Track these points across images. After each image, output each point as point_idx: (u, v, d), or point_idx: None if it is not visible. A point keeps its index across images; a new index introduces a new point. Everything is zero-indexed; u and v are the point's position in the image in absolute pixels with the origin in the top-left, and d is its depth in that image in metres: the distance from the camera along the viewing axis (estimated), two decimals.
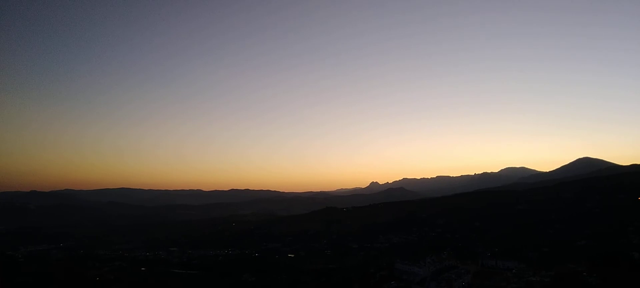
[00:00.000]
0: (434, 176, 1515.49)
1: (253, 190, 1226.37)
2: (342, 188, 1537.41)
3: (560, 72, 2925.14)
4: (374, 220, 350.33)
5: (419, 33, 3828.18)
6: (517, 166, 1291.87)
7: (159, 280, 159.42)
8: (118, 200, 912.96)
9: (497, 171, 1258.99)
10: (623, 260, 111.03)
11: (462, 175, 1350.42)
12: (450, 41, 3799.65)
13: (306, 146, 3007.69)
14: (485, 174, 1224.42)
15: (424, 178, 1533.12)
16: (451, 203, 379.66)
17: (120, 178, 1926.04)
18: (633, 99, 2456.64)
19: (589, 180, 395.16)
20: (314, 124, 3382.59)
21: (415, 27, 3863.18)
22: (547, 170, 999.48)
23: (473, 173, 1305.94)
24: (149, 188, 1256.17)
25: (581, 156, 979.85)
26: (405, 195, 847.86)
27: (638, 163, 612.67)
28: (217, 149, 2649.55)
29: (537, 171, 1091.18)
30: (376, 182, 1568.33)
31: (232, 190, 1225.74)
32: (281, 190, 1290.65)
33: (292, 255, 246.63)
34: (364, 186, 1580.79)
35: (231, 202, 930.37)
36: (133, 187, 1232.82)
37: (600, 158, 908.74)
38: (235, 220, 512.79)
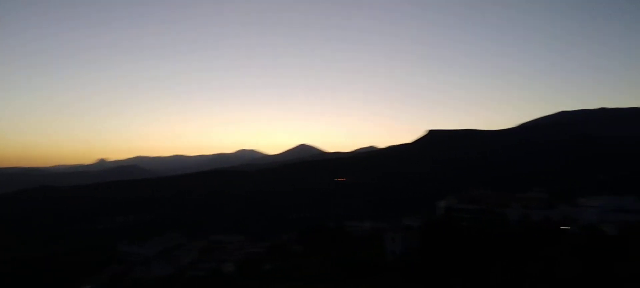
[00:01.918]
0: (171, 155, 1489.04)
1: None
2: (61, 165, 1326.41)
3: (288, 69, 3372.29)
4: (100, 200, 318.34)
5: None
6: (249, 149, 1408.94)
7: None
8: None
9: (232, 152, 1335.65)
10: (323, 229, 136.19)
11: (198, 155, 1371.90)
12: (182, 28, 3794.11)
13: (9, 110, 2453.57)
14: (220, 155, 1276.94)
15: (160, 156, 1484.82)
16: (186, 182, 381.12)
17: None
18: (337, 97, 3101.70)
19: (305, 163, 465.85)
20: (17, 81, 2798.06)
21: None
22: (274, 153, 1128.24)
23: (209, 154, 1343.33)
24: None
25: (300, 143, 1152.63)
26: (139, 173, 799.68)
27: (340, 151, 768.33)
28: None
29: (265, 154, 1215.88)
30: (105, 159, 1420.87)
31: None
32: None
33: None
34: (89, 163, 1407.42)
35: None
36: None
37: (313, 145, 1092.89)
38: None
